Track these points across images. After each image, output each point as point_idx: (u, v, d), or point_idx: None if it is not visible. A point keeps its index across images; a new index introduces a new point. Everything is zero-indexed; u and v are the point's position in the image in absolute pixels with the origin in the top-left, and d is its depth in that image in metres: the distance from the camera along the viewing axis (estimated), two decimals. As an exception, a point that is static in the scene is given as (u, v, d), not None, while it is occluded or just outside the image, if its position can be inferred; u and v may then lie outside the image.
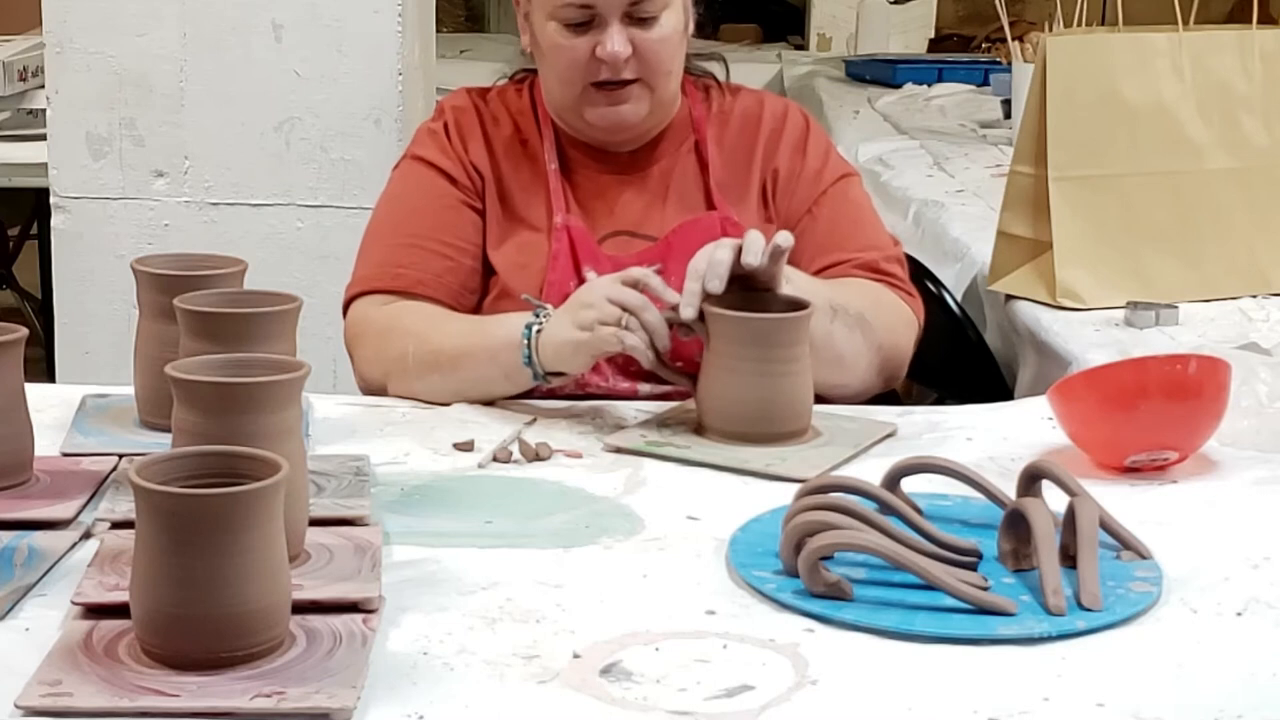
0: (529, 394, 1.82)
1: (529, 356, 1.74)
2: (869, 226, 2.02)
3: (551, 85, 1.95)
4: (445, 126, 2.00)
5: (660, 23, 1.88)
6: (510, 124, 2.01)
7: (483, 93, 2.05)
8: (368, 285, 1.94)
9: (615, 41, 1.86)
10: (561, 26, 1.89)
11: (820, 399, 1.75)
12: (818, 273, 1.90)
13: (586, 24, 1.87)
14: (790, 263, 1.75)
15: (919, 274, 2.35)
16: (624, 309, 1.68)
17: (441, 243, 1.94)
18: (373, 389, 1.88)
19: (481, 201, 1.97)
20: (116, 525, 1.40)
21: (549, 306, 1.76)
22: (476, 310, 1.94)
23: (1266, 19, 2.69)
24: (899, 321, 1.93)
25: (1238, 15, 5.22)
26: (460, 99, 2.04)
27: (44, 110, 2.76)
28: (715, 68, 2.08)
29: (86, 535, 1.40)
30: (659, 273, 1.80)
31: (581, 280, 1.87)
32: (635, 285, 1.70)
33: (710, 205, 1.97)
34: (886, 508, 1.39)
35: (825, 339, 1.80)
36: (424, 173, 1.98)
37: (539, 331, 1.74)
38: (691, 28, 1.97)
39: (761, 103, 2.05)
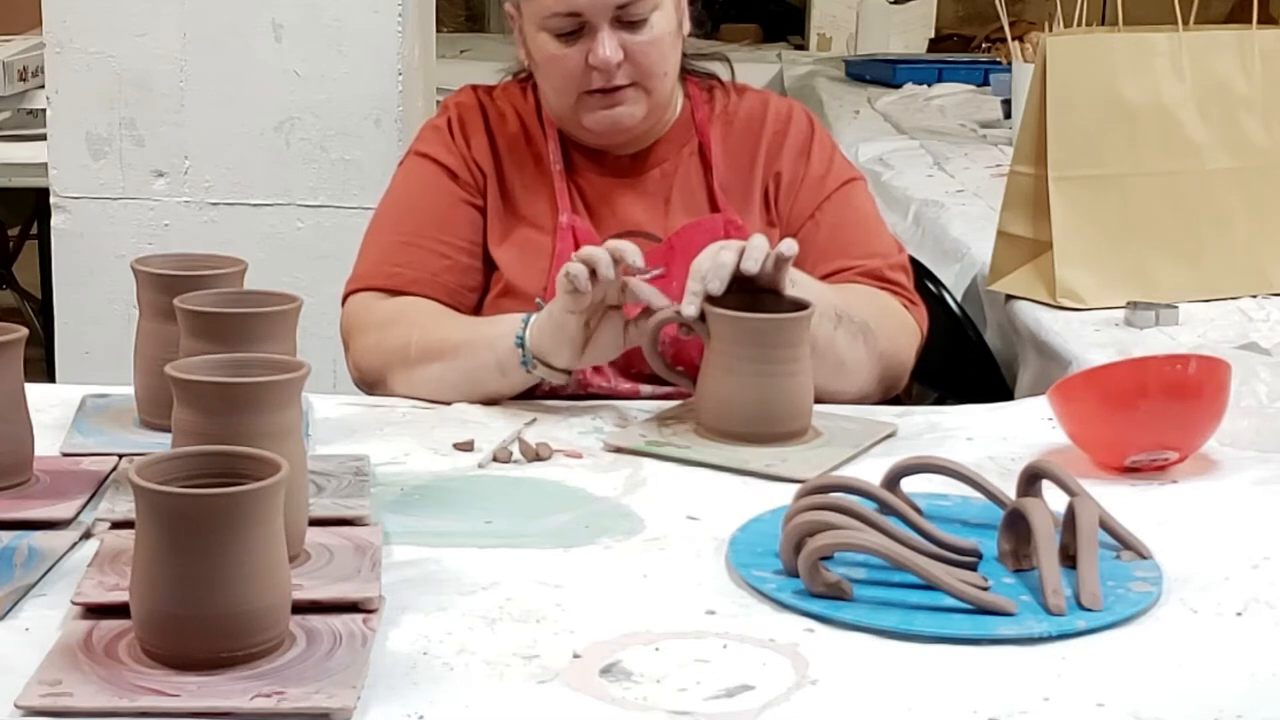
0: (530, 394, 1.82)
1: (521, 339, 1.75)
2: (873, 233, 2.01)
3: (548, 95, 1.95)
4: (449, 122, 2.00)
5: (650, 24, 1.88)
6: (516, 122, 2.01)
7: (488, 90, 2.05)
8: (365, 283, 1.94)
9: (606, 47, 1.86)
10: (552, 37, 1.88)
11: (818, 403, 1.75)
12: (821, 279, 1.89)
13: (576, 32, 1.87)
14: (794, 268, 1.75)
15: (919, 274, 2.35)
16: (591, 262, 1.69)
17: (440, 241, 1.94)
18: (367, 379, 1.89)
19: (483, 198, 1.97)
20: (116, 525, 1.40)
21: None
22: (478, 307, 1.95)
23: (1266, 19, 2.69)
24: (902, 331, 1.93)
25: (1238, 15, 5.22)
26: (465, 95, 2.04)
27: (44, 110, 2.77)
28: (719, 68, 2.08)
29: (86, 535, 1.40)
30: (662, 275, 1.80)
31: None
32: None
33: (714, 207, 1.97)
34: (886, 508, 1.39)
35: (828, 344, 1.79)
36: (426, 169, 1.98)
37: (536, 319, 1.75)
38: (687, 26, 1.97)
39: (766, 104, 2.04)
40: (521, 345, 1.75)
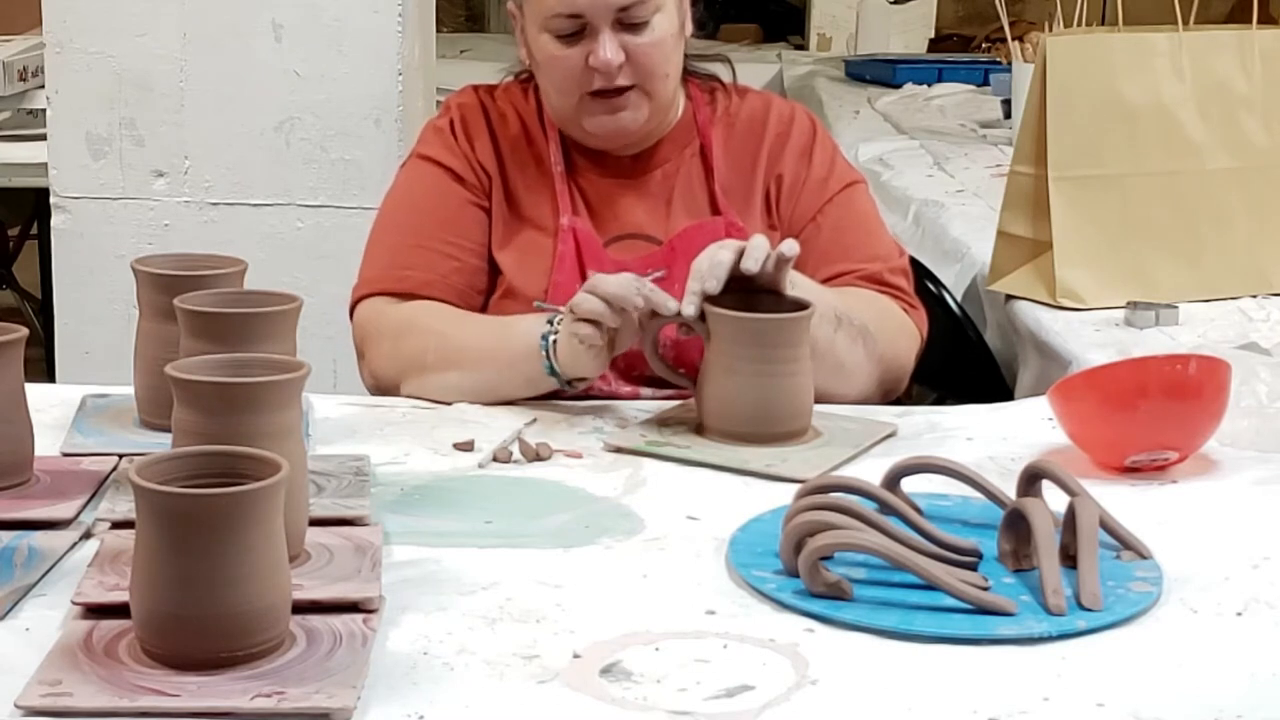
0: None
1: (551, 367, 1.75)
2: (874, 236, 2.01)
3: (550, 96, 1.95)
4: (451, 124, 1.99)
5: (652, 27, 1.87)
6: (517, 122, 2.00)
7: (490, 90, 2.04)
8: (374, 287, 1.93)
9: (607, 49, 1.85)
10: (553, 38, 1.88)
11: (818, 405, 1.75)
12: (822, 283, 1.89)
13: (578, 34, 1.87)
14: (794, 270, 1.74)
15: (919, 274, 2.35)
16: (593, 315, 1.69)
17: (447, 243, 1.93)
18: (383, 387, 1.88)
19: (488, 200, 1.97)
20: (116, 525, 1.40)
21: (561, 310, 1.75)
22: (482, 310, 1.94)
23: (1266, 19, 2.69)
24: (901, 335, 1.93)
25: (1238, 15, 5.22)
26: (467, 96, 2.03)
27: (44, 110, 2.77)
28: (720, 69, 2.07)
29: (86, 535, 1.40)
30: (662, 278, 1.80)
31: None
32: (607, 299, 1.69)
33: (715, 210, 1.97)
34: (886, 508, 1.39)
35: (828, 347, 1.79)
36: (430, 171, 1.98)
37: (555, 341, 1.74)
38: (689, 28, 1.96)
39: (768, 106, 2.03)
40: (554, 373, 1.75)
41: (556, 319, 1.75)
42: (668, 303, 1.70)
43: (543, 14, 1.88)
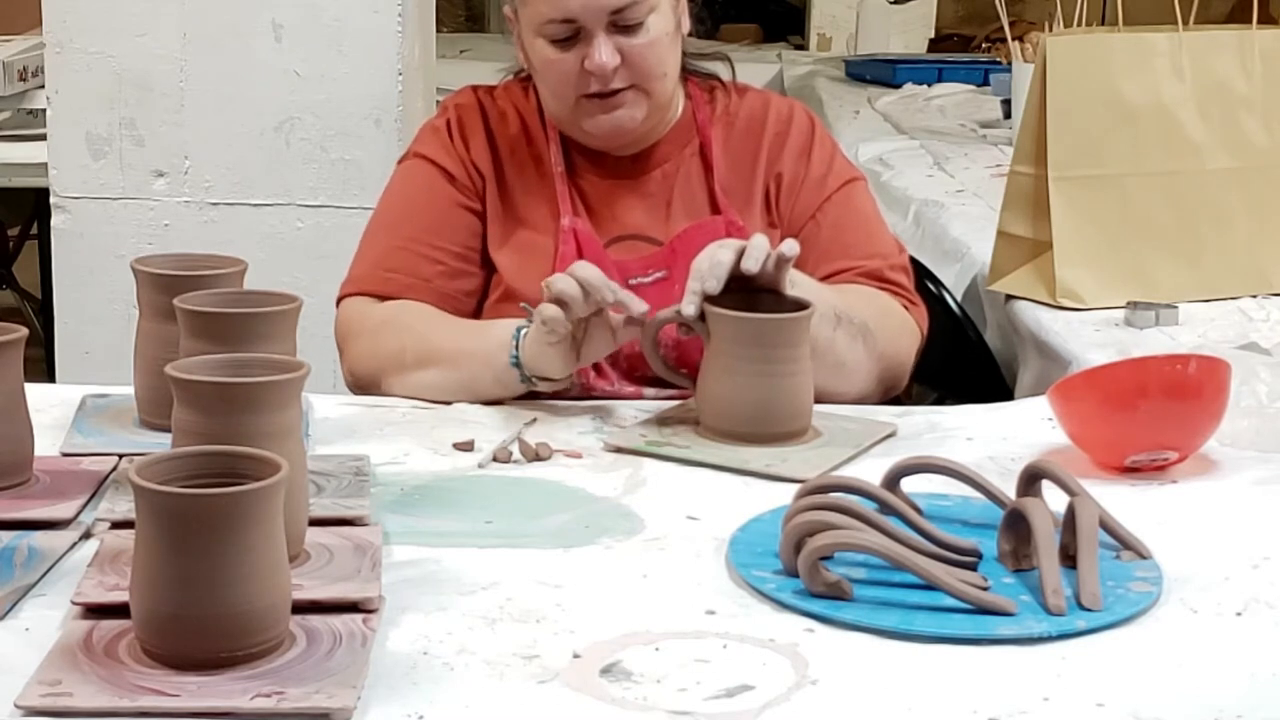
0: (530, 394, 1.82)
1: (515, 358, 1.74)
2: (874, 234, 2.01)
3: (547, 99, 1.95)
4: (448, 124, 1.99)
5: (646, 28, 1.87)
6: (518, 122, 2.00)
7: (489, 90, 2.04)
8: (358, 287, 1.94)
9: (602, 53, 1.85)
10: (548, 43, 1.88)
11: (818, 404, 1.75)
12: (822, 280, 1.89)
13: (572, 38, 1.86)
14: (795, 268, 1.74)
15: (919, 274, 2.35)
16: (561, 298, 1.68)
17: (434, 246, 1.93)
18: (362, 384, 1.88)
19: (481, 202, 1.97)
20: (116, 525, 1.40)
21: None
22: (479, 311, 1.94)
23: (1266, 19, 2.69)
24: (902, 332, 1.93)
25: (1238, 15, 5.22)
26: (465, 97, 2.03)
27: (44, 110, 2.77)
28: (720, 68, 2.07)
29: (86, 535, 1.40)
30: (664, 279, 1.80)
31: None
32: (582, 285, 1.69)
33: (715, 209, 1.97)
34: (886, 508, 1.39)
35: (828, 346, 1.79)
36: (424, 171, 1.98)
37: (525, 334, 1.74)
38: (686, 26, 1.96)
39: (767, 104, 2.03)
40: (518, 365, 1.75)
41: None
42: (634, 304, 1.69)
43: (537, 19, 1.87)
